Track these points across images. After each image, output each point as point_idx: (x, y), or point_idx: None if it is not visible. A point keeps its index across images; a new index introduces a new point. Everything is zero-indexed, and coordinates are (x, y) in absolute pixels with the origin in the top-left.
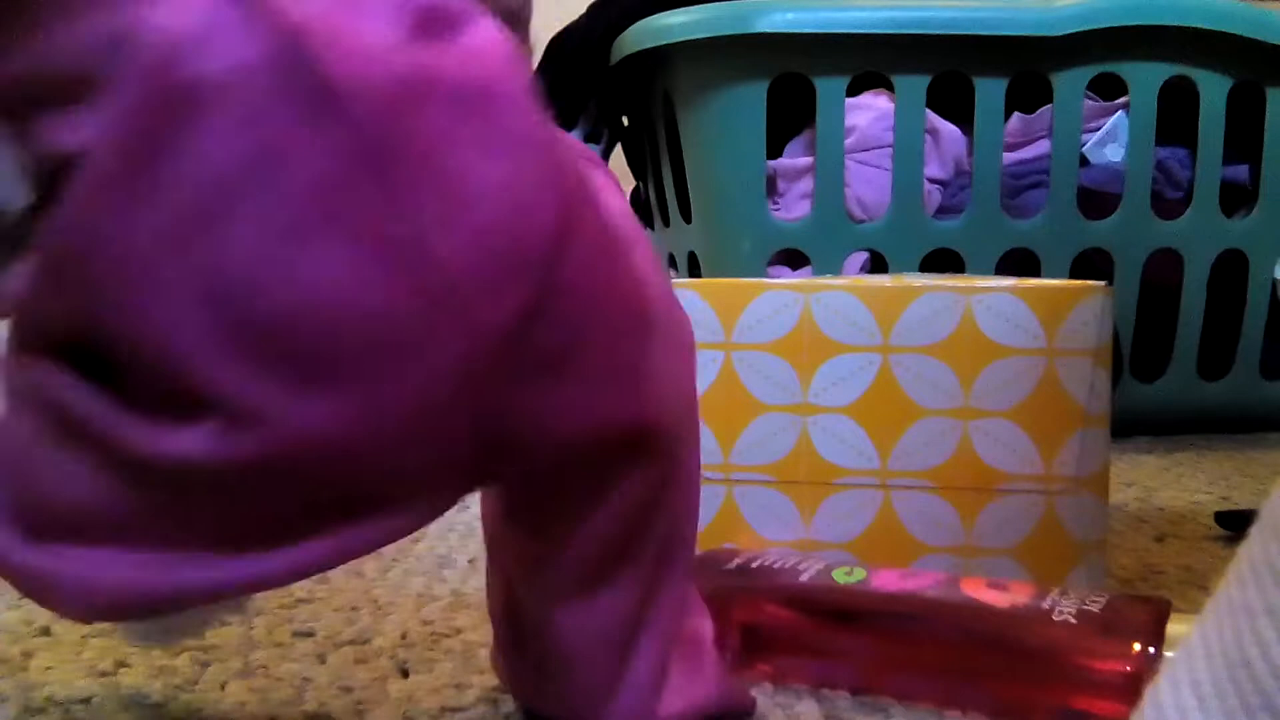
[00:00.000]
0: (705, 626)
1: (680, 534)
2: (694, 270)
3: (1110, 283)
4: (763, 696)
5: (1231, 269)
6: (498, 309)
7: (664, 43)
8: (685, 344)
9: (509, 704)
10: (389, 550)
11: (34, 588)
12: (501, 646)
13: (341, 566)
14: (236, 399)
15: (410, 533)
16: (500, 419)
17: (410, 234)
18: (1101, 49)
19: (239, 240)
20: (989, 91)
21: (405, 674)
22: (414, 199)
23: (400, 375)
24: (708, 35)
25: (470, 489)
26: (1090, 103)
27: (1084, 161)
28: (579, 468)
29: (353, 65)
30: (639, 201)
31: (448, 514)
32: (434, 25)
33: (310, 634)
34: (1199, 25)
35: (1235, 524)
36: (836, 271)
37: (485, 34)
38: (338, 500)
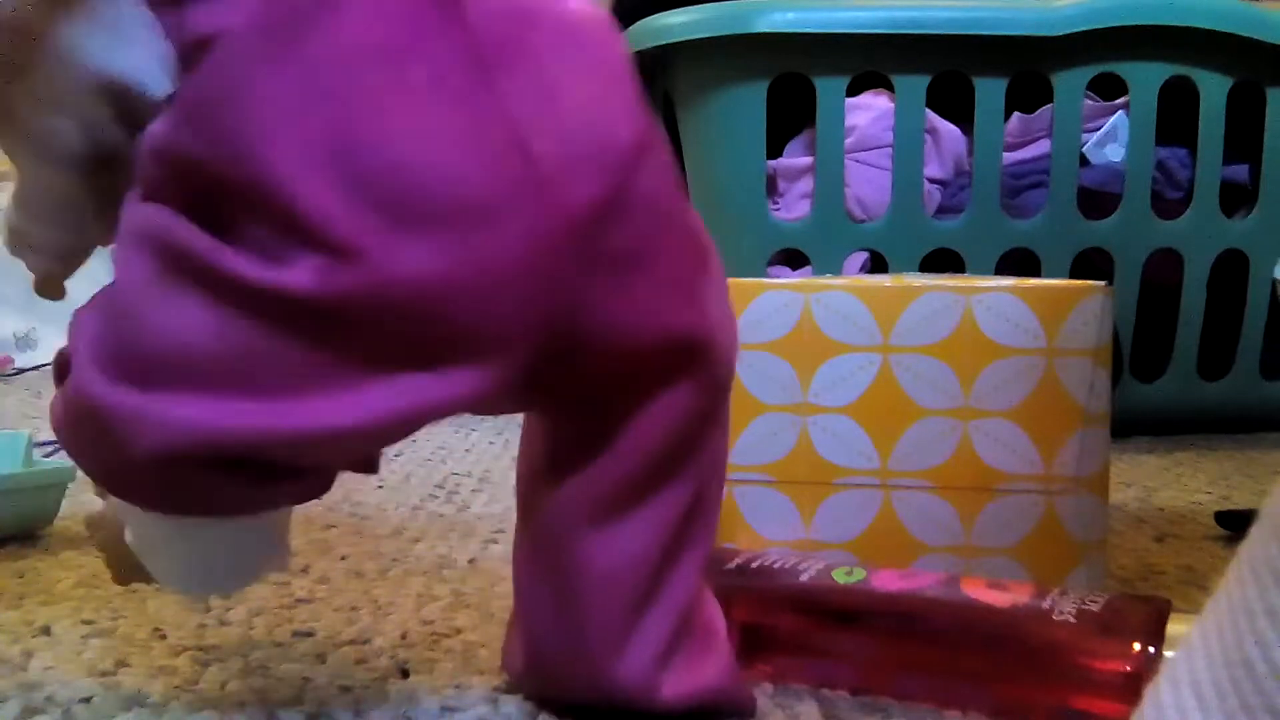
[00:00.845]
0: (719, 618)
1: (712, 491)
2: None
3: (1110, 283)
4: (763, 696)
5: (1231, 269)
6: (577, 196)
7: (664, 43)
8: (725, 287)
9: (509, 704)
10: (389, 550)
11: (114, 426)
12: (523, 611)
13: (341, 566)
14: (343, 236)
15: (473, 403)
16: (573, 311)
17: (507, 125)
18: (1101, 49)
19: (360, 108)
20: (989, 91)
21: (405, 674)
22: (515, 101)
23: (487, 233)
24: (708, 35)
25: (532, 391)
26: (1090, 103)
27: (1084, 161)
28: (636, 375)
29: None
30: None
31: (447, 514)
32: None
33: (310, 634)
34: (1199, 25)
35: (1235, 524)
36: (836, 271)
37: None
38: (416, 349)
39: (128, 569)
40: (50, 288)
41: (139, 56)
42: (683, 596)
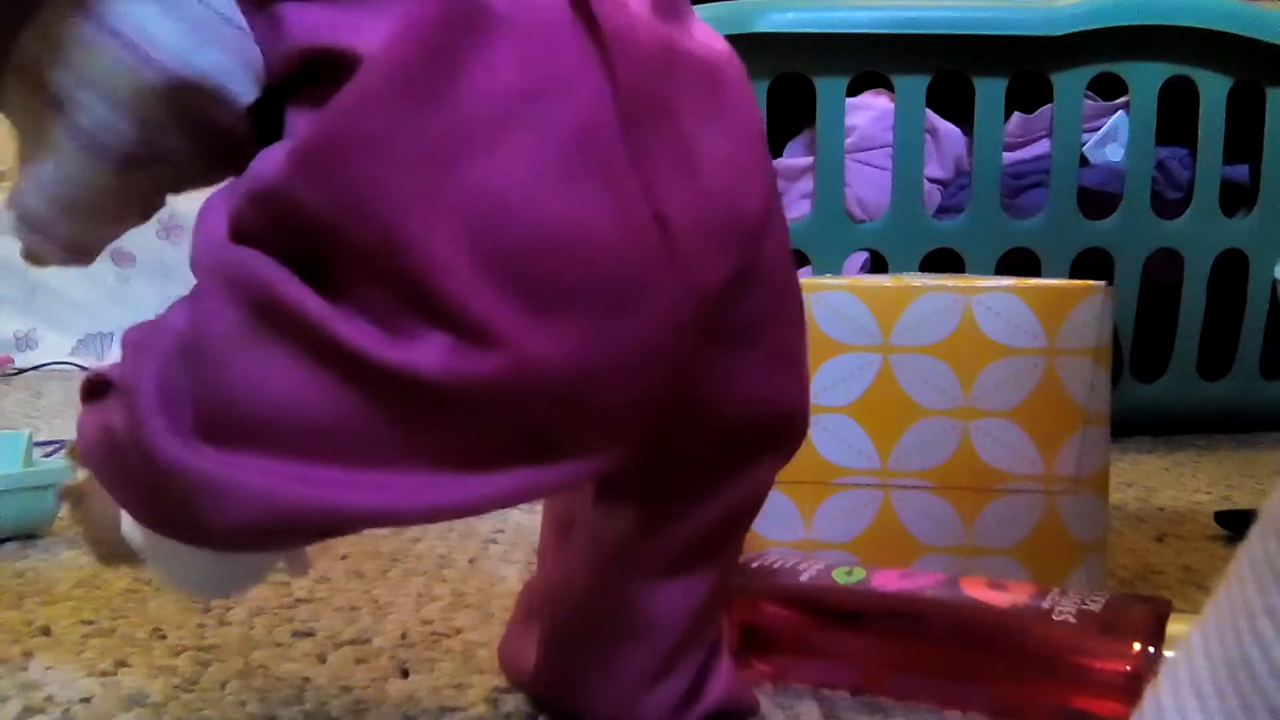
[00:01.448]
0: (723, 627)
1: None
2: None
3: (1110, 283)
4: (763, 696)
5: (1231, 269)
6: (714, 269)
7: None
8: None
9: (509, 704)
10: (389, 550)
11: (191, 490)
12: (546, 631)
13: (341, 566)
14: (481, 317)
15: (581, 483)
16: (690, 380)
17: (649, 194)
18: (1101, 49)
19: (506, 163)
20: (989, 91)
21: (405, 674)
22: (656, 166)
23: (627, 315)
24: None
25: (637, 455)
26: (1090, 103)
27: (1084, 161)
28: (732, 445)
29: (622, 23)
30: None
31: None
32: (673, 7)
33: (310, 634)
34: (1199, 25)
35: (1235, 524)
36: (836, 271)
37: (704, 25)
38: (536, 438)
39: (114, 553)
40: (42, 264)
41: (221, 58)
42: (716, 634)
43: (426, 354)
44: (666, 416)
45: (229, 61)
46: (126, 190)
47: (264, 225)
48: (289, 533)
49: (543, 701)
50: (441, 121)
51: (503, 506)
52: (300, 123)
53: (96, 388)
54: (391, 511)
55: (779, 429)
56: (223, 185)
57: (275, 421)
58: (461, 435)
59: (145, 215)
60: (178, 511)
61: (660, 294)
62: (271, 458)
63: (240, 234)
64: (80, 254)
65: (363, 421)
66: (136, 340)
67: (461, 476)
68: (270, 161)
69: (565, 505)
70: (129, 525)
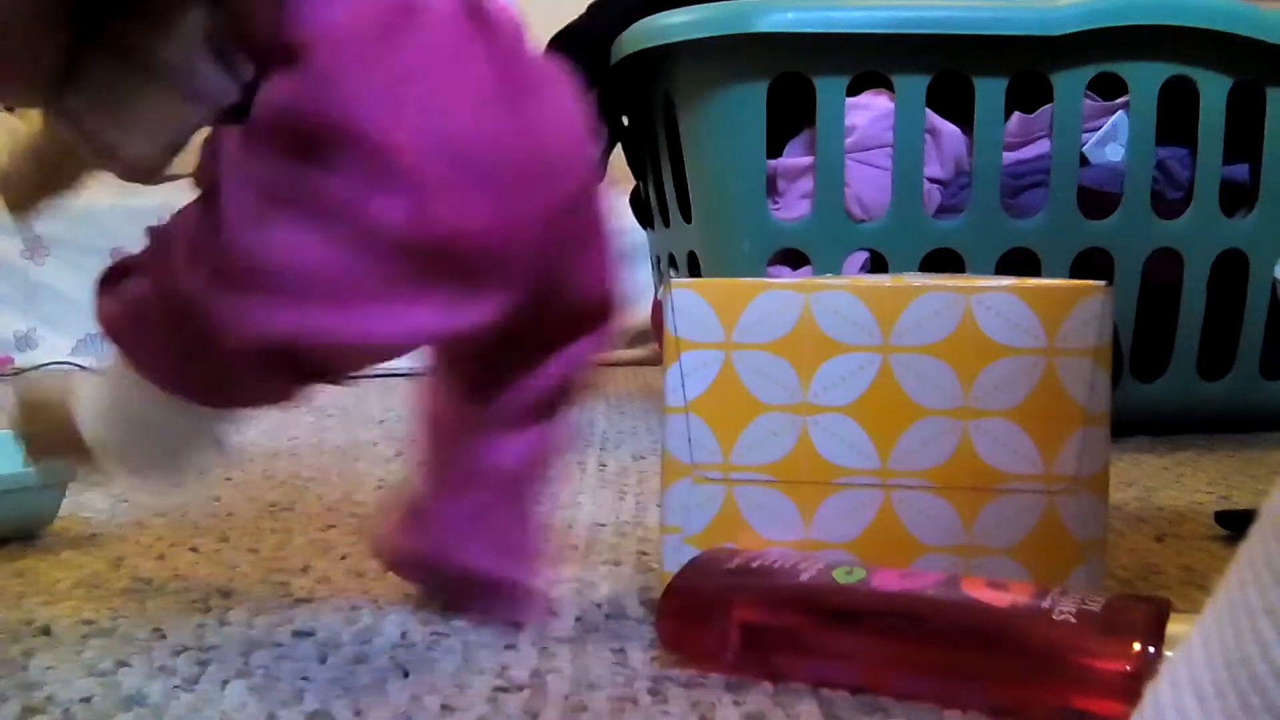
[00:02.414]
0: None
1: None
2: (694, 270)
3: (1110, 283)
4: (763, 696)
5: (1231, 269)
6: (569, 184)
7: (664, 42)
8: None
9: (509, 704)
10: None
11: (213, 318)
12: (419, 501)
13: (341, 566)
14: (433, 184)
15: (480, 331)
16: (551, 269)
17: (535, 129)
18: (1101, 49)
19: (446, 96)
20: (989, 91)
21: (405, 674)
22: (536, 114)
23: (523, 197)
24: (708, 35)
25: (510, 318)
26: (1090, 102)
27: (1084, 161)
28: (574, 320)
29: (500, 12)
30: (639, 201)
31: None
32: (519, 29)
33: (310, 634)
34: (1199, 25)
35: (1235, 524)
36: (836, 271)
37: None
38: (462, 275)
39: (52, 449)
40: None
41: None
42: (539, 492)
43: (393, 210)
44: (537, 295)
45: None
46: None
47: (276, 125)
48: (278, 357)
49: (425, 572)
50: (399, 63)
51: (440, 338)
52: (291, 68)
53: (115, 273)
54: (358, 335)
55: (596, 311)
56: (221, 129)
57: (279, 272)
58: (411, 276)
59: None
60: (190, 340)
61: (542, 189)
62: (275, 298)
63: (253, 141)
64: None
65: (344, 264)
66: (164, 226)
67: (414, 310)
68: (285, 88)
69: (428, 397)
70: (92, 421)
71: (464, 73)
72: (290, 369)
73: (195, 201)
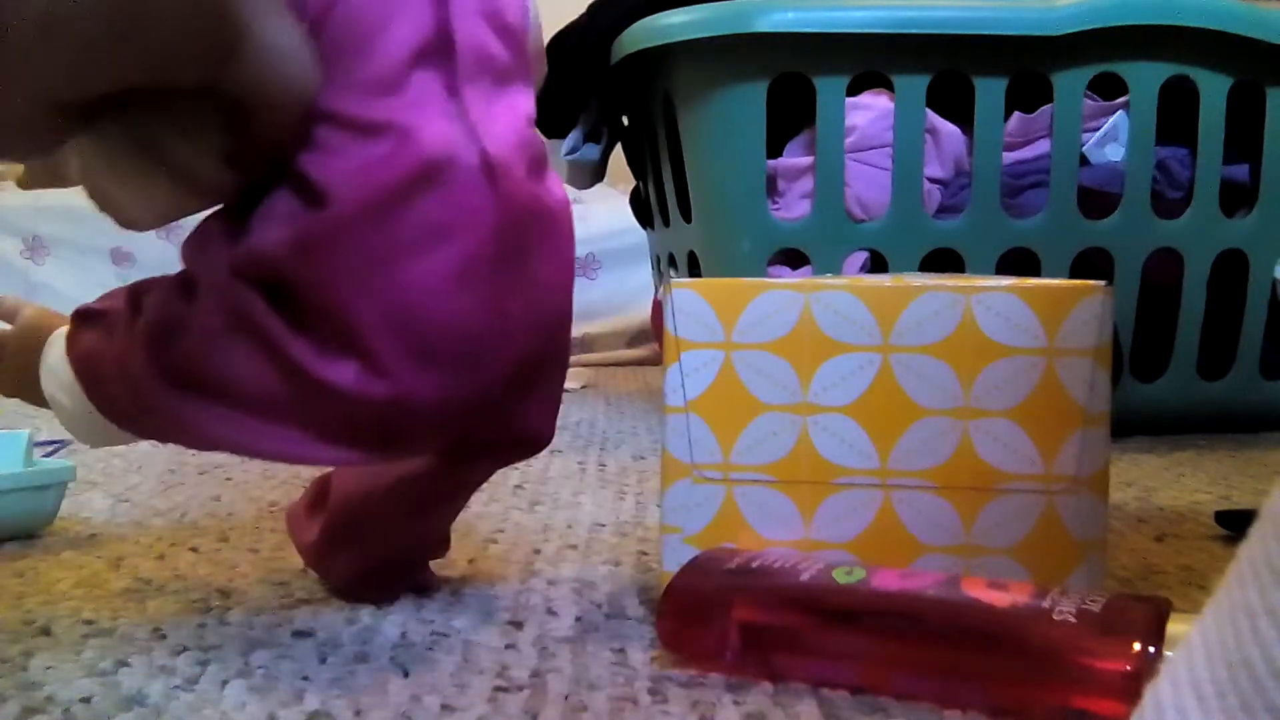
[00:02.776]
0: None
1: None
2: (694, 270)
3: (1110, 283)
4: (763, 696)
5: (1231, 269)
6: (529, 351)
7: (664, 42)
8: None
9: (510, 704)
10: None
11: (156, 409)
12: (328, 524)
13: None
14: (382, 359)
15: (408, 456)
16: (494, 415)
17: (504, 308)
18: (1101, 49)
19: (417, 272)
20: (989, 91)
21: (405, 674)
22: (510, 289)
23: (474, 373)
24: (708, 35)
25: (455, 447)
26: (1090, 102)
27: (1084, 161)
28: (502, 450)
29: (511, 185)
30: (639, 201)
31: None
32: (540, 167)
33: (310, 634)
34: (1199, 25)
35: (1235, 524)
36: (836, 271)
37: (555, 178)
38: (387, 436)
39: (11, 394)
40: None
41: None
42: (443, 545)
43: (344, 375)
44: (472, 438)
45: None
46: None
47: (258, 273)
48: (209, 445)
49: (316, 569)
50: (384, 240)
51: (366, 462)
52: (292, 208)
53: (92, 316)
54: (281, 452)
55: (531, 444)
56: (214, 222)
57: (230, 388)
58: (347, 425)
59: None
60: (138, 409)
61: (495, 362)
62: (220, 406)
63: (237, 272)
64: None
65: (286, 404)
66: (139, 298)
67: (336, 449)
68: (274, 241)
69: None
70: (49, 380)
71: (455, 251)
72: (223, 447)
73: (173, 287)
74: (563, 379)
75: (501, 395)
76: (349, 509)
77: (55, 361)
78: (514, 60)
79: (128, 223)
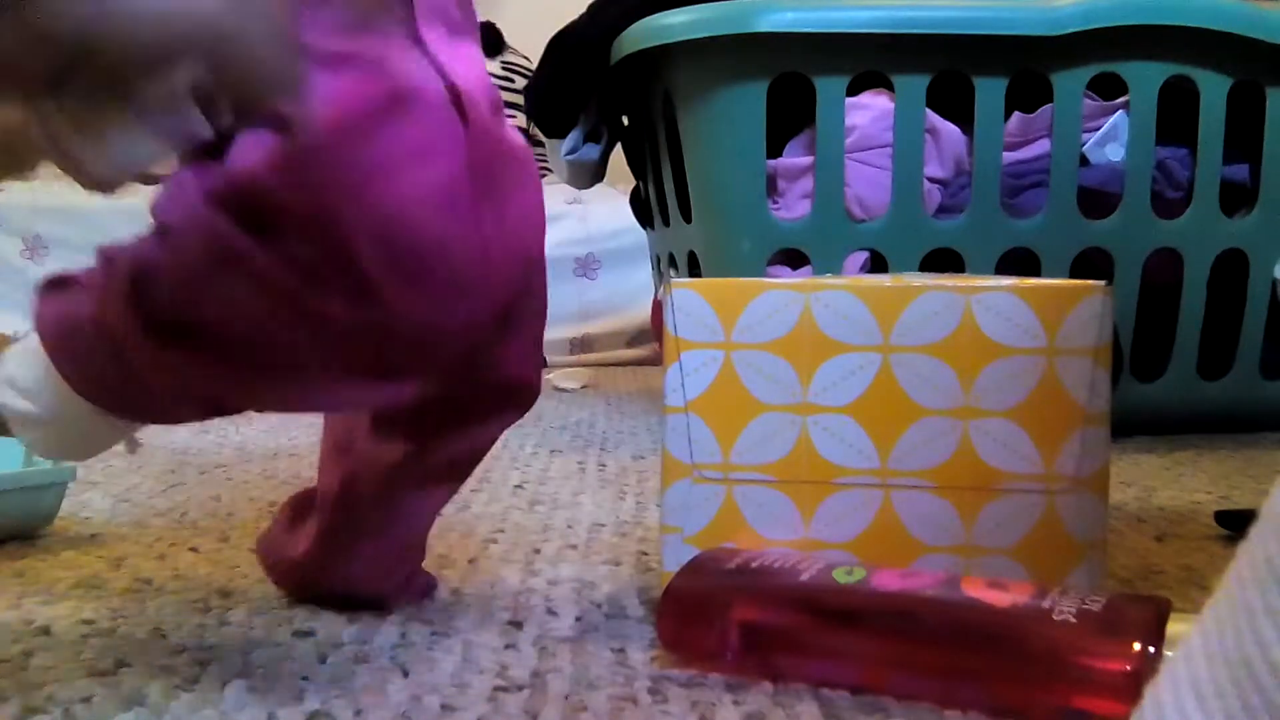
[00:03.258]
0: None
1: None
2: (694, 270)
3: (1110, 283)
4: (763, 696)
5: (1231, 269)
6: (509, 290)
7: (664, 42)
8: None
9: (510, 704)
10: None
11: (137, 367)
12: (324, 527)
13: None
14: (371, 280)
15: (400, 401)
16: (479, 353)
17: (483, 237)
18: (1101, 49)
19: (403, 190)
20: (989, 91)
21: (405, 674)
22: (488, 218)
23: (460, 302)
24: (708, 35)
25: (444, 405)
26: (1090, 102)
27: (1084, 161)
28: (494, 401)
29: (479, 118)
30: (639, 201)
31: (447, 514)
32: (499, 111)
33: (310, 634)
34: (1199, 25)
35: (1235, 524)
36: (836, 271)
37: (513, 129)
38: (386, 364)
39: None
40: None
41: None
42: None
43: (335, 301)
44: (458, 371)
45: None
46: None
47: (238, 200)
48: (195, 409)
49: (302, 582)
50: (362, 159)
51: (355, 407)
52: (267, 138)
53: (59, 284)
54: (276, 406)
55: (516, 396)
56: (184, 170)
57: (219, 331)
58: (340, 356)
59: None
60: (117, 375)
61: (481, 291)
62: (201, 355)
63: (215, 203)
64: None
65: (279, 341)
66: (112, 255)
67: (332, 385)
68: (248, 157)
69: (344, 433)
70: (12, 396)
71: (433, 173)
72: (208, 408)
73: (147, 237)
74: (542, 326)
75: (483, 330)
76: (346, 500)
77: (13, 368)
78: (464, 18)
79: (95, 181)
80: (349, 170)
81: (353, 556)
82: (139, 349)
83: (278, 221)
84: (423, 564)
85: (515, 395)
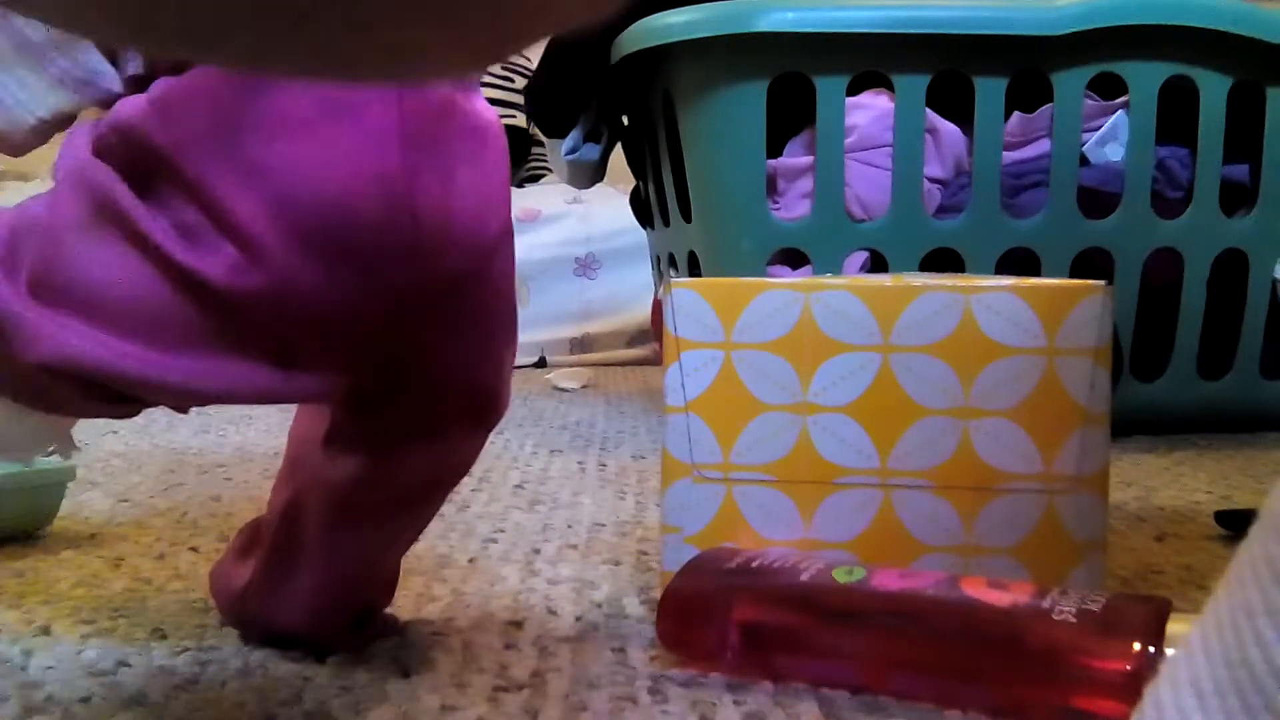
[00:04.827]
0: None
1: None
2: (694, 270)
3: (1110, 283)
4: (763, 696)
5: (1231, 269)
6: (445, 269)
7: (664, 42)
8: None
9: (509, 704)
10: None
11: (17, 330)
12: (265, 553)
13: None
14: (256, 240)
15: (311, 399)
16: (415, 352)
17: (410, 197)
18: (1101, 49)
19: (303, 151)
20: (989, 91)
21: (405, 674)
22: (422, 180)
23: (368, 277)
24: (708, 35)
25: (362, 409)
26: (1090, 102)
27: (1084, 161)
28: (438, 413)
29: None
30: (639, 201)
31: (448, 514)
32: (466, 84)
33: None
34: (1199, 25)
35: (1235, 524)
36: (836, 271)
37: (486, 104)
38: (279, 346)
39: None
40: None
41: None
42: (390, 580)
43: (216, 264)
44: (389, 375)
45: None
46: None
47: (118, 148)
48: (80, 381)
49: (243, 617)
50: (257, 110)
51: (253, 399)
52: (159, 84)
53: None
54: (159, 381)
55: (475, 405)
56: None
57: (95, 293)
58: (229, 333)
59: None
60: (14, 343)
61: (398, 267)
62: (84, 322)
63: (98, 152)
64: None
65: (159, 305)
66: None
67: (223, 364)
68: (133, 105)
69: (299, 449)
70: None
71: (348, 128)
72: (98, 393)
73: (43, 195)
74: (504, 328)
75: (415, 317)
76: (287, 525)
77: None
78: None
79: (7, 145)
80: (238, 117)
81: (291, 590)
82: (16, 319)
83: (160, 172)
84: (387, 608)
85: (470, 405)
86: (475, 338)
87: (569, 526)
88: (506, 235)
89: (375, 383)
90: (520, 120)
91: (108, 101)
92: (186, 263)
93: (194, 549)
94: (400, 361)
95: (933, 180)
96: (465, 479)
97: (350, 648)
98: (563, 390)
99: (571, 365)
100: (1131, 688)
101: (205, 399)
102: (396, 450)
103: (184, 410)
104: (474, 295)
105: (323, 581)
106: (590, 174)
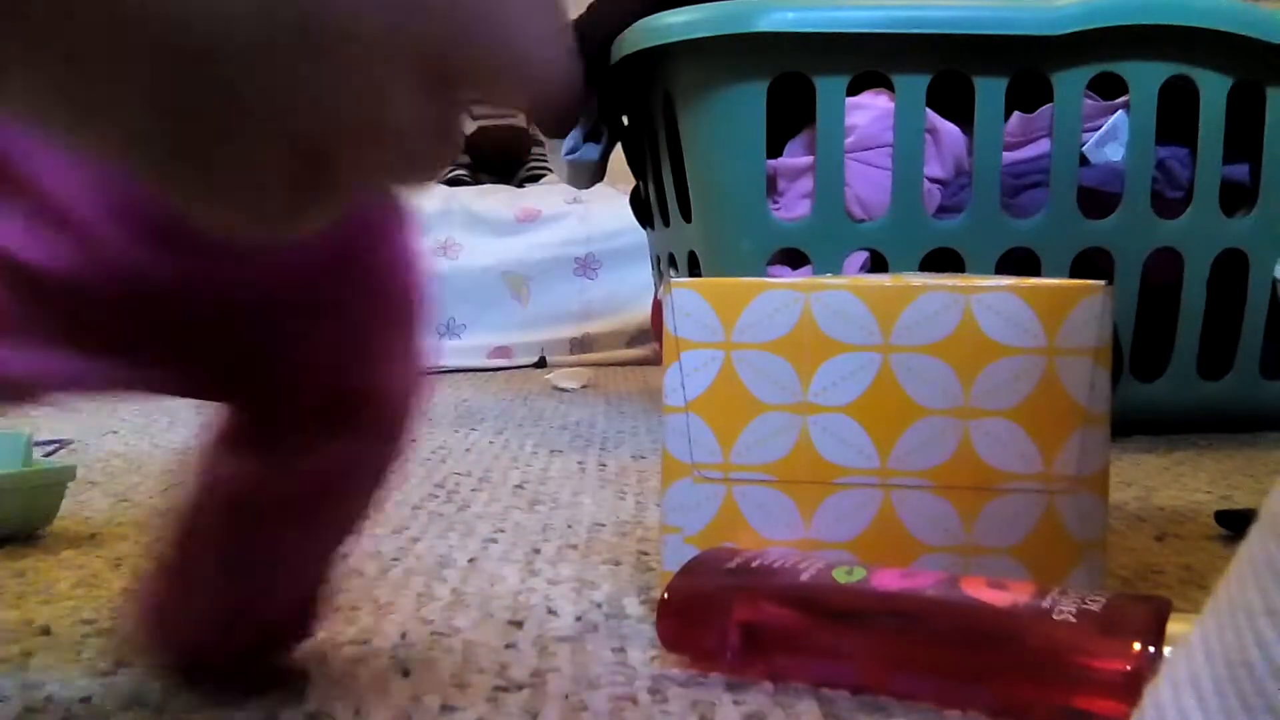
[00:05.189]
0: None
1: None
2: (694, 270)
3: (1110, 283)
4: (763, 696)
5: (1231, 269)
6: (313, 245)
7: (664, 42)
8: (420, 344)
9: (509, 704)
10: (389, 550)
11: None
12: (166, 569)
13: (342, 566)
14: (94, 226)
15: (147, 390)
16: (249, 336)
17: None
18: (1101, 49)
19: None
20: (989, 91)
21: (405, 674)
22: None
23: (205, 259)
24: (708, 35)
25: (242, 406)
26: (1090, 102)
27: (1084, 161)
28: (317, 413)
29: None
30: (639, 201)
31: (447, 514)
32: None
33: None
34: (1199, 25)
35: (1235, 524)
36: (836, 271)
37: None
38: (113, 336)
39: None
40: None
41: None
42: (314, 598)
43: (48, 252)
44: (245, 368)
45: None
46: None
47: None
48: None
49: (149, 644)
50: None
51: (103, 389)
52: None
53: None
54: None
55: (356, 409)
56: None
57: None
58: (68, 323)
59: None
60: None
61: (244, 253)
62: None
63: None
64: None
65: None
66: None
67: (61, 356)
68: None
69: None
70: None
71: None
72: None
73: None
74: (394, 323)
75: (267, 306)
76: (179, 542)
77: None
78: None
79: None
80: None
81: (185, 615)
82: None
83: None
84: (305, 639)
85: (347, 407)
86: (342, 333)
87: (569, 526)
88: (396, 220)
89: (231, 375)
90: (520, 121)
91: None
92: (20, 254)
93: None
94: (254, 353)
95: (933, 180)
96: (465, 479)
97: (259, 681)
98: (563, 390)
99: (571, 365)
100: (1131, 688)
101: (49, 391)
102: (282, 452)
103: (31, 405)
104: (346, 287)
105: (221, 603)
106: (590, 174)
